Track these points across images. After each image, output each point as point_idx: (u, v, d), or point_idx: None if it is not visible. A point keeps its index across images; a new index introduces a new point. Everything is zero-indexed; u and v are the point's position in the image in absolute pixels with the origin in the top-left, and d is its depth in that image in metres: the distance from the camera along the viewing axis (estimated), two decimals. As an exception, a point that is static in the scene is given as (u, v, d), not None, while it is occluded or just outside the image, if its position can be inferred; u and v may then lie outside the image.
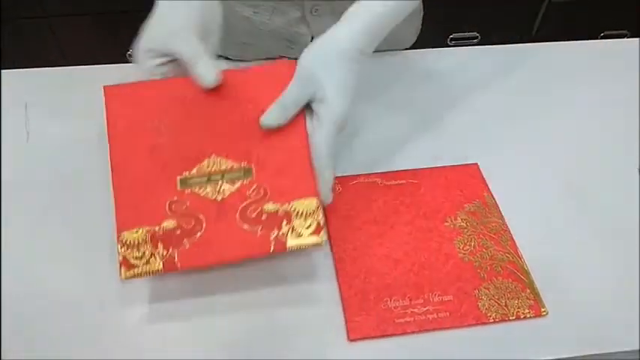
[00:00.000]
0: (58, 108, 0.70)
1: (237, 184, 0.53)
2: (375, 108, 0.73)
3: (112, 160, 0.53)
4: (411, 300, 0.55)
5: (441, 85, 0.78)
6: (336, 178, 0.64)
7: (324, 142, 0.53)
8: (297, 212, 0.52)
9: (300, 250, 0.52)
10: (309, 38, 0.75)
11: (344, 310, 0.54)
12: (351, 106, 0.54)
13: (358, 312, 0.54)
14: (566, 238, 0.61)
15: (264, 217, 0.52)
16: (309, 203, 0.52)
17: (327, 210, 0.58)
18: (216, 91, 0.54)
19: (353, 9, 0.57)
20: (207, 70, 0.53)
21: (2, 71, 0.75)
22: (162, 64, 0.55)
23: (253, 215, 0.52)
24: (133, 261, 0.50)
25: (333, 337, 0.52)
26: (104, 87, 0.55)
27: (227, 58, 0.80)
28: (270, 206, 0.52)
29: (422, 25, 0.86)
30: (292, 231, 0.51)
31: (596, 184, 0.66)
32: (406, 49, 0.83)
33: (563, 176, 0.67)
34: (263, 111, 0.53)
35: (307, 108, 0.55)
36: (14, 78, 0.75)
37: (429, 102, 0.75)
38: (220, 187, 0.53)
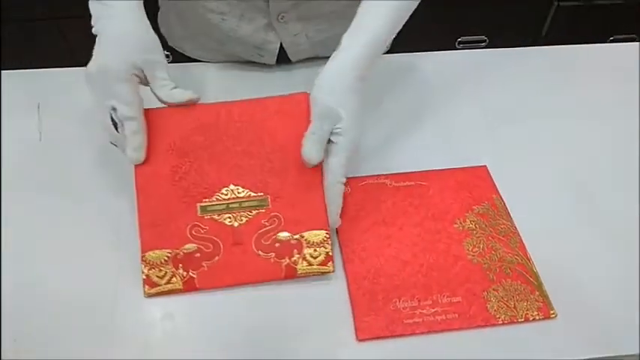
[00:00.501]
0: (70, 109, 0.70)
1: (254, 213, 0.56)
2: (384, 110, 0.74)
3: (137, 181, 0.56)
4: (419, 301, 0.55)
5: (450, 87, 0.78)
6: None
7: (338, 171, 0.56)
8: (308, 242, 0.56)
9: (310, 276, 0.55)
10: (277, 45, 0.75)
11: (353, 310, 0.54)
12: (362, 128, 0.57)
13: (367, 312, 0.54)
14: (576, 240, 0.61)
15: (277, 244, 0.56)
16: (319, 234, 0.56)
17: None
18: (235, 120, 0.58)
19: (349, 34, 0.58)
20: (184, 93, 0.57)
21: (15, 72, 0.76)
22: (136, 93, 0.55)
23: (267, 243, 0.56)
24: (155, 279, 0.55)
25: (341, 336, 0.53)
26: None
27: (197, 61, 0.81)
28: (283, 235, 0.56)
29: (430, 28, 0.86)
30: (303, 260, 0.55)
31: (606, 186, 0.66)
32: (412, 51, 0.84)
33: (572, 178, 0.67)
34: (279, 144, 0.57)
35: None
36: (27, 78, 0.76)
37: (437, 104, 0.75)
38: (237, 214, 0.56)
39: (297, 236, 0.56)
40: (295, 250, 0.55)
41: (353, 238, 0.59)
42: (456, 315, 0.54)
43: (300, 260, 0.55)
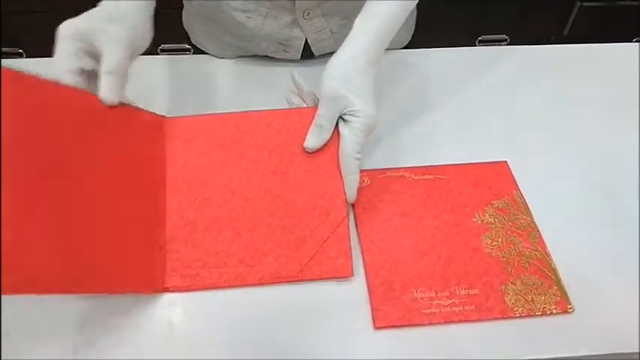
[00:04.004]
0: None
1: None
2: (405, 105, 0.74)
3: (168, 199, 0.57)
4: (437, 292, 0.55)
5: (471, 83, 0.78)
6: (365, 171, 0.65)
7: (353, 147, 0.57)
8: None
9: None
10: (303, 41, 0.76)
11: (370, 298, 0.55)
12: (377, 110, 0.58)
13: (384, 301, 0.54)
14: (595, 237, 0.61)
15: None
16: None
17: (355, 201, 0.60)
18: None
19: (360, 21, 0.60)
20: (112, 91, 0.52)
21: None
22: (77, 56, 0.51)
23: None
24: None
25: (359, 324, 0.53)
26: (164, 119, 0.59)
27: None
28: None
29: (451, 27, 0.87)
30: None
31: (627, 185, 0.66)
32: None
33: (592, 176, 0.66)
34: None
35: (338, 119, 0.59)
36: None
37: (458, 100, 0.75)
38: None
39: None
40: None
41: (372, 229, 0.60)
42: (473, 307, 0.54)
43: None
